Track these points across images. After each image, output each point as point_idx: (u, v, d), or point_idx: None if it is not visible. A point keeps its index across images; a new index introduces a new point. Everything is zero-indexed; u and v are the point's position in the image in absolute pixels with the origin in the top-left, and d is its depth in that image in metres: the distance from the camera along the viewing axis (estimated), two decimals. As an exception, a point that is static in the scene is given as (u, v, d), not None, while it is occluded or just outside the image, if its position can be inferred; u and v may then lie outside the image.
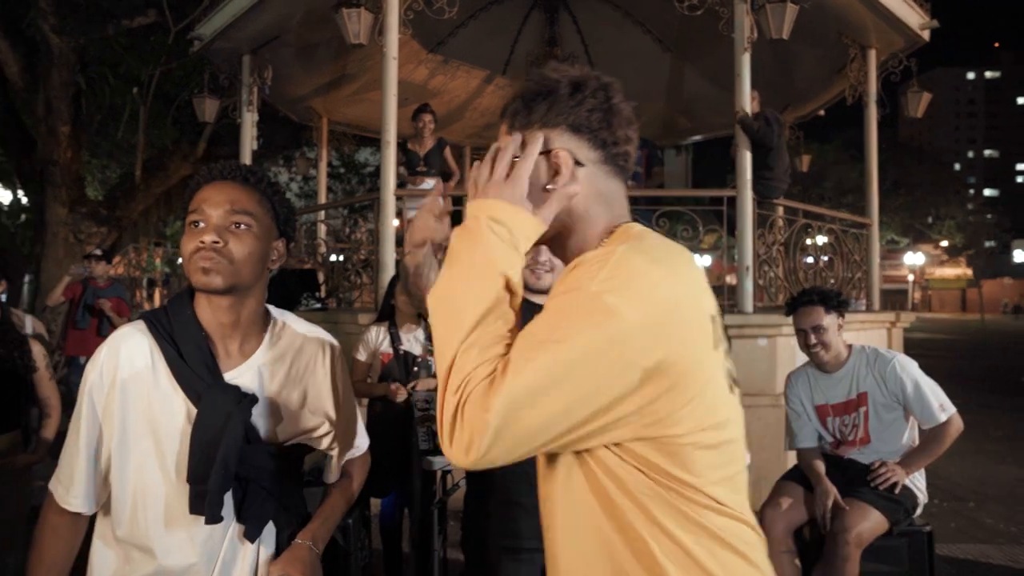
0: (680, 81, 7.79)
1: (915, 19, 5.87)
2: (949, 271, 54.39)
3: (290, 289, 5.71)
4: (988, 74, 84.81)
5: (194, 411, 1.22)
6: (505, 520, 1.92)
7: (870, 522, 2.48)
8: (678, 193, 6.42)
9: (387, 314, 3.48)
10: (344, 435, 1.42)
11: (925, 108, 6.61)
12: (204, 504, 1.19)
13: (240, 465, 1.23)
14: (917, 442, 2.70)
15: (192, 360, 1.23)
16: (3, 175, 12.67)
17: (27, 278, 12.30)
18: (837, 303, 2.69)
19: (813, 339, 2.68)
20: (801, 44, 5.90)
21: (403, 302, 3.39)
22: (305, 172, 11.16)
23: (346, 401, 1.41)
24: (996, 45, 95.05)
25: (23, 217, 13.47)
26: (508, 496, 1.93)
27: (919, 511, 2.68)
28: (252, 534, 1.27)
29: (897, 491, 2.54)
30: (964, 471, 5.79)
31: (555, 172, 0.99)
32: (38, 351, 2.82)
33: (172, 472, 1.23)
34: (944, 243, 42.12)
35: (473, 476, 2.06)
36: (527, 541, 1.92)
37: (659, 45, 7.41)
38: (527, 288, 1.99)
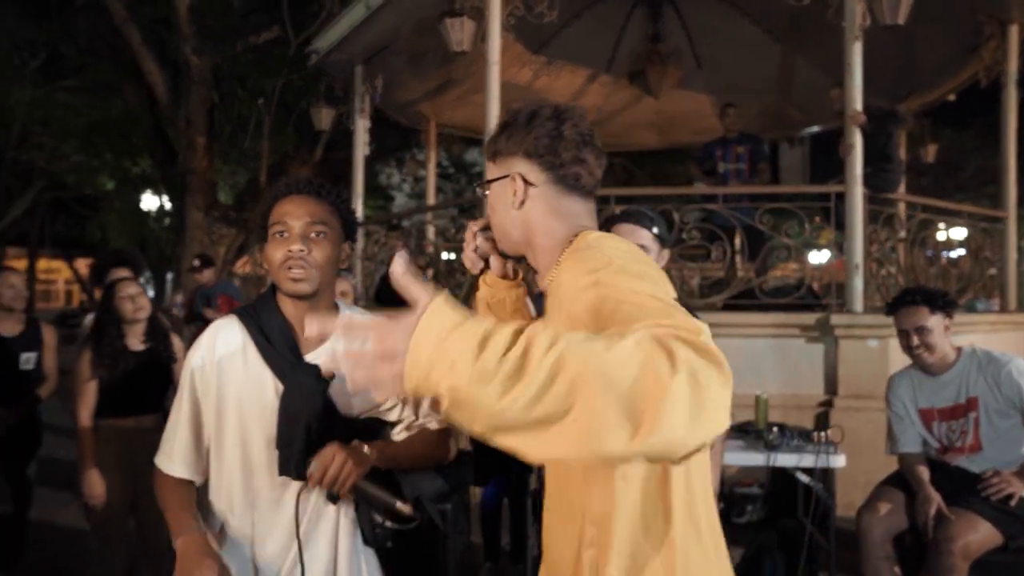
0: (792, 72, 7.49)
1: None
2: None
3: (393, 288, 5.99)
4: None
5: (281, 387, 1.40)
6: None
7: (979, 534, 2.34)
8: (778, 190, 6.17)
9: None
10: (412, 408, 1.54)
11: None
12: (291, 465, 1.37)
13: (320, 435, 1.38)
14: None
15: (278, 344, 1.43)
16: (151, 184, 13.96)
17: (169, 276, 13.55)
18: (943, 303, 2.55)
19: (916, 340, 2.56)
20: (926, 24, 5.53)
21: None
22: (415, 173, 11.60)
23: None
24: None
25: (167, 221, 14.81)
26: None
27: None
28: (333, 498, 1.42)
29: (1013, 503, 2.38)
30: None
31: (514, 193, 1.15)
32: (178, 344, 3.22)
33: (262, 442, 1.41)
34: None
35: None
36: None
37: (769, 36, 7.16)
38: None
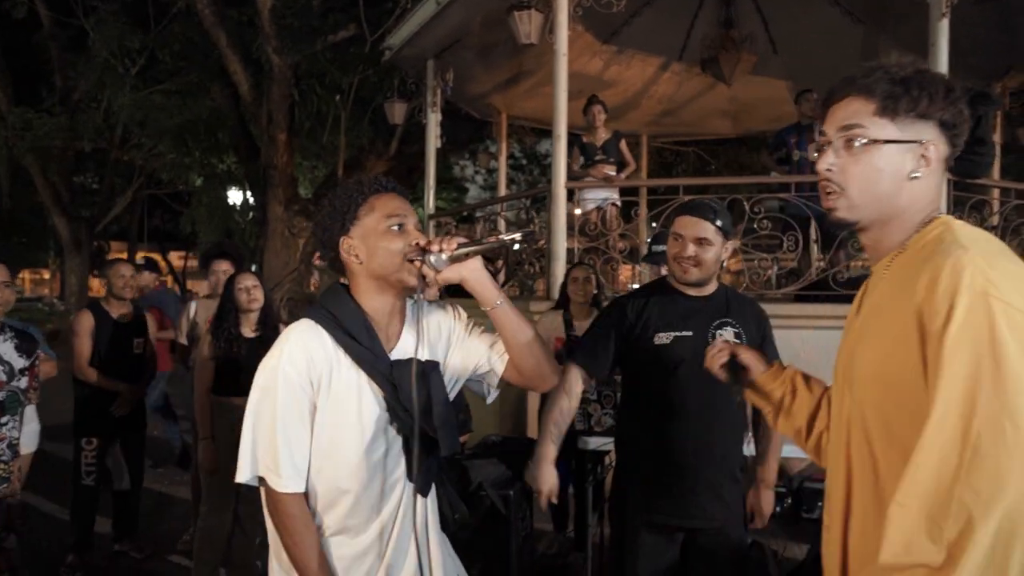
0: (874, 54, 7.01)
1: None
2: None
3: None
4: None
5: (375, 386, 1.41)
6: (647, 497, 2.02)
7: None
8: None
9: (562, 302, 3.75)
10: (494, 346, 1.58)
11: None
12: (444, 441, 1.44)
13: (447, 413, 1.45)
14: None
15: (366, 342, 1.43)
16: (236, 179, 14.64)
17: (253, 268, 14.17)
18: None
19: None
20: (1021, -2, 5.21)
21: (573, 291, 3.63)
22: (487, 165, 11.73)
23: (475, 329, 1.61)
24: None
25: (251, 215, 15.49)
26: (651, 475, 2.03)
27: None
28: (424, 490, 1.48)
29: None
30: None
31: (919, 162, 1.09)
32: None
33: (366, 441, 1.40)
34: None
35: (621, 455, 2.18)
36: (668, 518, 2.01)
37: (849, 17, 6.89)
38: (675, 279, 2.06)
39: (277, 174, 10.57)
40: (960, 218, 3.92)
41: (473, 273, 1.42)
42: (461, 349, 1.56)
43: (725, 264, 2.11)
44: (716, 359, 1.49)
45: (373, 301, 1.46)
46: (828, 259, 5.02)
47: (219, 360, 3.25)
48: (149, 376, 4.06)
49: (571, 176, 5.73)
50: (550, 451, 2.08)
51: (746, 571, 2.20)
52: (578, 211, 6.06)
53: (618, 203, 6.12)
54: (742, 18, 7.02)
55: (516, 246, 1.57)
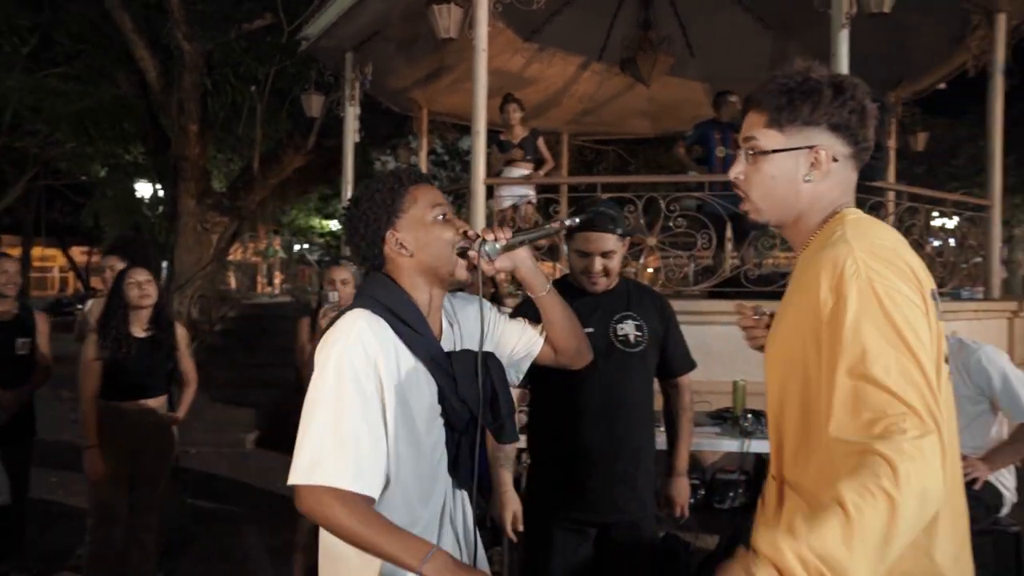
0: (782, 60, 7.42)
1: (1050, -21, 5.37)
2: (1106, 255, 48.91)
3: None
4: None
5: (430, 378, 1.35)
6: (557, 495, 2.03)
7: (946, 517, 2.39)
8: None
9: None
10: (525, 332, 1.57)
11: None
12: (507, 431, 1.42)
13: (507, 399, 1.42)
14: (1006, 436, 2.57)
15: (425, 332, 1.36)
16: (144, 171, 13.91)
17: (164, 264, 13.53)
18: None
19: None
20: (914, 13, 5.53)
21: (472, 292, 3.61)
22: (407, 161, 11.56)
23: (501, 318, 1.59)
24: None
25: (160, 209, 14.76)
26: (561, 472, 2.03)
27: (1005, 510, 2.55)
28: (466, 482, 1.43)
29: (977, 487, 2.43)
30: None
31: (812, 166, 1.16)
32: (181, 333, 3.36)
33: (420, 436, 1.33)
34: (1100, 224, 37.90)
35: (532, 453, 2.17)
36: (579, 515, 2.02)
37: (760, 23, 7.16)
38: (582, 290, 2.07)
39: (189, 166, 10.11)
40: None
41: (524, 262, 1.44)
42: (496, 338, 1.55)
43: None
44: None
45: (422, 295, 1.40)
46: (740, 256, 5.20)
47: (106, 362, 3.07)
48: (40, 380, 3.77)
49: (491, 173, 5.72)
50: (505, 477, 2.07)
51: (659, 563, 2.24)
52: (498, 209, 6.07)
53: (534, 200, 6.14)
54: (660, 20, 7.18)
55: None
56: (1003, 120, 5.99)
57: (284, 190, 12.77)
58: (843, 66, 4.71)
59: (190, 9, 9.10)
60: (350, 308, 1.36)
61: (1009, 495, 2.54)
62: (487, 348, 1.48)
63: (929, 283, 1.08)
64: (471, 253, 1.37)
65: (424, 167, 9.52)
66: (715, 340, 3.99)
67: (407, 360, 1.33)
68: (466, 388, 1.36)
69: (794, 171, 1.16)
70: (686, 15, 7.41)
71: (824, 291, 1.05)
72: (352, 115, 6.71)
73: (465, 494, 1.45)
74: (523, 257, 1.44)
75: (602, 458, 1.99)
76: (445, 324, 1.46)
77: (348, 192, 6.90)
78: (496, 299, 3.74)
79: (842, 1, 4.62)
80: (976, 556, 2.50)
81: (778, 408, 1.21)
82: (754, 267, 5.21)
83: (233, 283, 11.06)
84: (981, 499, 2.45)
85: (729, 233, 5.74)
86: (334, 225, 22.39)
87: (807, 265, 1.13)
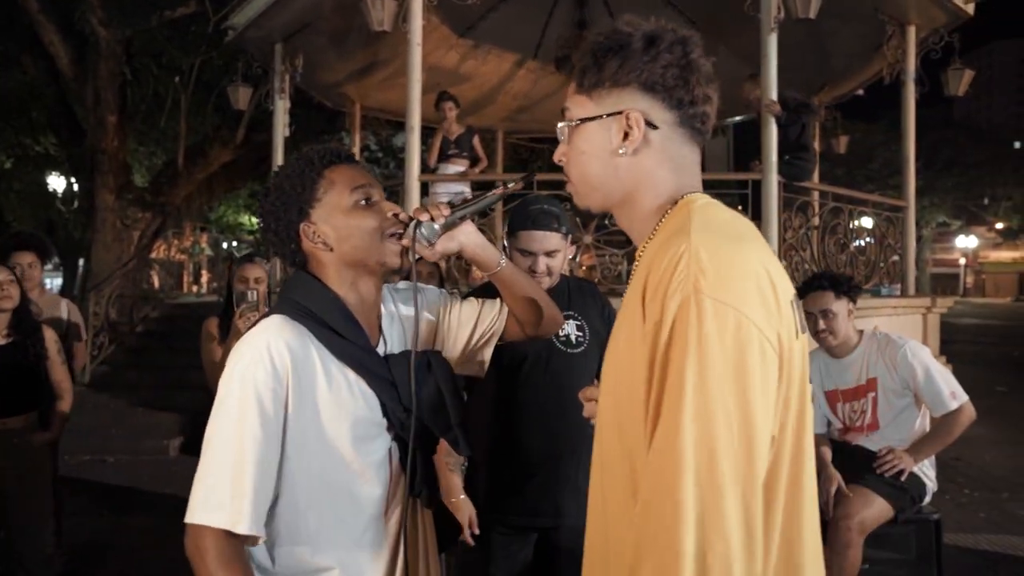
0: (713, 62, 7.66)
1: (957, -7, 5.67)
2: (1005, 254, 52.32)
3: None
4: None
5: (367, 387, 1.19)
6: (497, 498, 1.98)
7: (873, 509, 2.47)
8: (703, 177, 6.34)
9: None
10: (483, 312, 1.42)
11: (967, 86, 6.38)
12: (459, 444, 1.25)
13: (457, 404, 1.26)
14: (928, 430, 2.67)
15: (352, 337, 1.19)
16: (56, 164, 13.16)
17: (81, 262, 12.83)
18: (848, 288, 2.66)
19: (822, 324, 2.66)
20: (836, 21, 5.75)
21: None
22: (341, 157, 11.27)
23: (454, 303, 1.43)
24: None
25: (76, 204, 14.01)
26: (500, 475, 1.99)
27: (927, 499, 2.65)
28: (431, 502, 1.29)
29: (903, 478, 2.52)
30: (1001, 461, 5.65)
31: (624, 135, 0.94)
32: (49, 337, 2.98)
33: (350, 453, 1.16)
34: (1000, 225, 40.54)
35: (472, 456, 2.12)
36: (518, 519, 1.98)
37: (692, 26, 7.24)
38: None
39: (107, 159, 9.61)
40: (788, 220, 4.11)
41: (470, 237, 1.25)
42: (451, 328, 1.39)
43: (579, 259, 2.11)
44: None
45: (350, 292, 1.23)
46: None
47: None
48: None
49: (424, 170, 5.63)
50: (454, 481, 1.97)
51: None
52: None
53: (469, 198, 6.09)
54: (595, 20, 7.23)
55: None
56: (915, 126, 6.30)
57: (211, 186, 12.30)
58: (772, 70, 4.84)
59: (106, -7, 8.63)
60: (266, 314, 1.21)
61: (931, 484, 2.64)
62: (443, 343, 1.37)
63: (789, 291, 0.88)
64: (404, 241, 1.21)
65: (357, 163, 9.30)
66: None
67: (336, 371, 1.17)
68: (408, 396, 1.20)
69: (607, 143, 0.95)
70: (620, 15, 7.46)
71: (651, 300, 0.84)
72: (282, 109, 6.50)
73: (428, 512, 1.31)
74: (468, 232, 1.25)
75: (544, 461, 1.95)
76: (386, 322, 1.30)
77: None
78: (442, 284, 3.63)
79: (771, 5, 4.74)
80: (900, 544, 2.60)
81: (602, 444, 0.98)
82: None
83: (156, 282, 10.56)
84: (907, 490, 2.54)
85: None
86: (264, 222, 21.75)
87: (644, 261, 0.92)
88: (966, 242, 41.88)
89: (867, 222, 6.71)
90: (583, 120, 0.97)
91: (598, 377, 2.15)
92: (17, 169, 13.38)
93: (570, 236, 2.01)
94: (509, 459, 1.96)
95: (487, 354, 1.42)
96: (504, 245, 2.01)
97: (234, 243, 25.64)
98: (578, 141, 0.99)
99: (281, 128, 6.52)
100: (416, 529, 1.27)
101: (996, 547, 3.80)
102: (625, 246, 5.46)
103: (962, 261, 46.40)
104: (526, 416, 1.95)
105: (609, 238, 5.69)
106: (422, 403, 1.22)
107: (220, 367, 2.93)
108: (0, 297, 2.77)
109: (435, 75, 7.43)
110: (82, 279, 10.01)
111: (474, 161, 6.13)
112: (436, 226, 1.20)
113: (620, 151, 0.94)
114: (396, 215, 1.23)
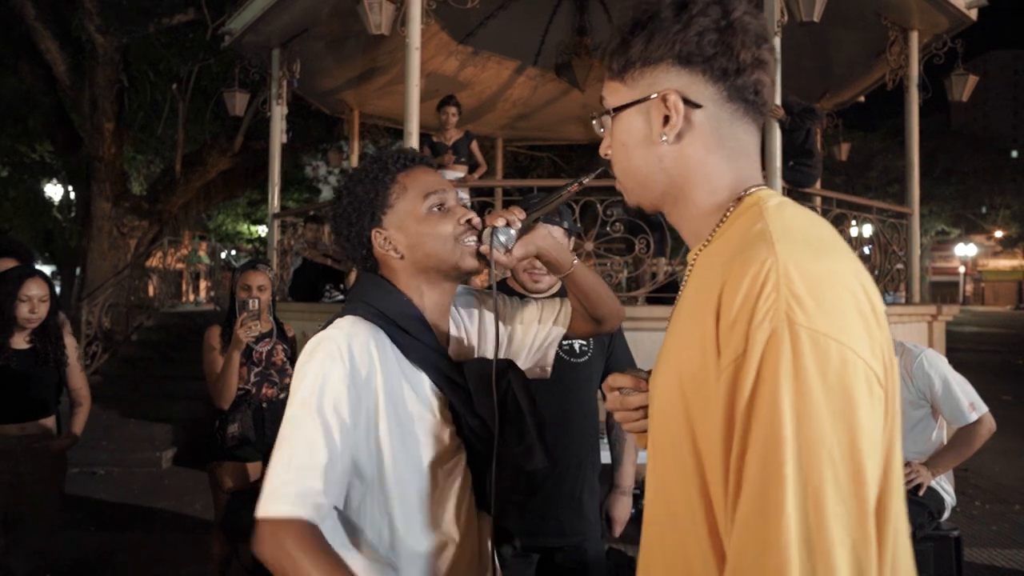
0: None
1: (960, -2, 5.62)
2: (1004, 262, 52.37)
3: (312, 281, 5.76)
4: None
5: (439, 392, 1.15)
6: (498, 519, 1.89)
7: (891, 524, 2.37)
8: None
9: None
10: (544, 313, 1.37)
11: (971, 91, 6.32)
12: (535, 456, 1.17)
13: (536, 412, 1.19)
14: (945, 442, 2.58)
15: (428, 341, 1.17)
16: (53, 172, 13.09)
17: (78, 271, 12.71)
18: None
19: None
20: (838, 27, 5.70)
21: None
22: (339, 164, 11.27)
23: (516, 306, 1.38)
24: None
25: (72, 212, 13.93)
26: (501, 494, 1.90)
27: (946, 515, 2.56)
28: (502, 516, 1.25)
29: (921, 493, 2.43)
30: (1011, 471, 5.56)
31: (665, 119, 0.81)
32: (70, 344, 2.97)
33: (423, 459, 1.13)
34: (999, 233, 40.56)
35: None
36: (524, 540, 1.88)
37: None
38: (525, 290, 1.94)
39: (103, 167, 9.53)
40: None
41: (546, 241, 1.20)
42: (515, 332, 1.34)
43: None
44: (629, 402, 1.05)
45: (423, 298, 1.20)
46: (679, 261, 5.21)
47: None
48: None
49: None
50: None
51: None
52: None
53: (468, 204, 6.02)
54: (595, 26, 7.19)
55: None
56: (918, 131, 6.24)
57: (208, 193, 12.24)
58: (775, 75, 4.76)
59: (104, 1, 8.57)
60: (339, 315, 1.16)
61: (950, 499, 2.55)
62: (509, 348, 1.31)
63: (880, 302, 0.74)
64: (482, 248, 1.16)
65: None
66: (653, 346, 3.94)
67: (409, 374, 1.14)
68: (483, 403, 1.15)
69: (645, 131, 0.83)
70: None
71: (728, 321, 0.69)
72: (279, 115, 6.43)
73: (488, 520, 1.24)
74: (543, 235, 1.19)
75: (546, 478, 1.86)
76: (452, 328, 1.26)
77: (275, 196, 6.59)
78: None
79: (774, 8, 4.68)
80: (917, 562, 2.51)
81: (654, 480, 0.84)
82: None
83: (152, 291, 10.46)
84: (925, 505, 2.45)
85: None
86: (263, 230, 21.67)
87: (707, 273, 0.77)
88: (965, 250, 41.90)
89: (867, 230, 6.64)
90: (618, 108, 0.85)
91: (601, 387, 2.07)
92: (13, 177, 13.31)
93: (572, 236, 1.94)
94: (510, 476, 1.87)
95: (551, 356, 1.38)
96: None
97: (233, 252, 25.56)
98: (618, 132, 0.87)
99: (278, 134, 6.45)
100: (481, 538, 1.22)
101: (1012, 564, 3.70)
102: (626, 254, 5.38)
103: (961, 269, 46.41)
104: (528, 429, 1.86)
105: (610, 245, 5.60)
106: (500, 413, 1.16)
107: (221, 377, 2.85)
108: (31, 316, 2.76)
109: (434, 82, 7.37)
110: (77, 288, 9.91)
111: (473, 167, 6.06)
112: (513, 231, 1.16)
113: (662, 138, 0.81)
114: (470, 220, 1.19)
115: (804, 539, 0.61)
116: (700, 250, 0.84)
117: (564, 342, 1.90)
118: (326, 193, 21.14)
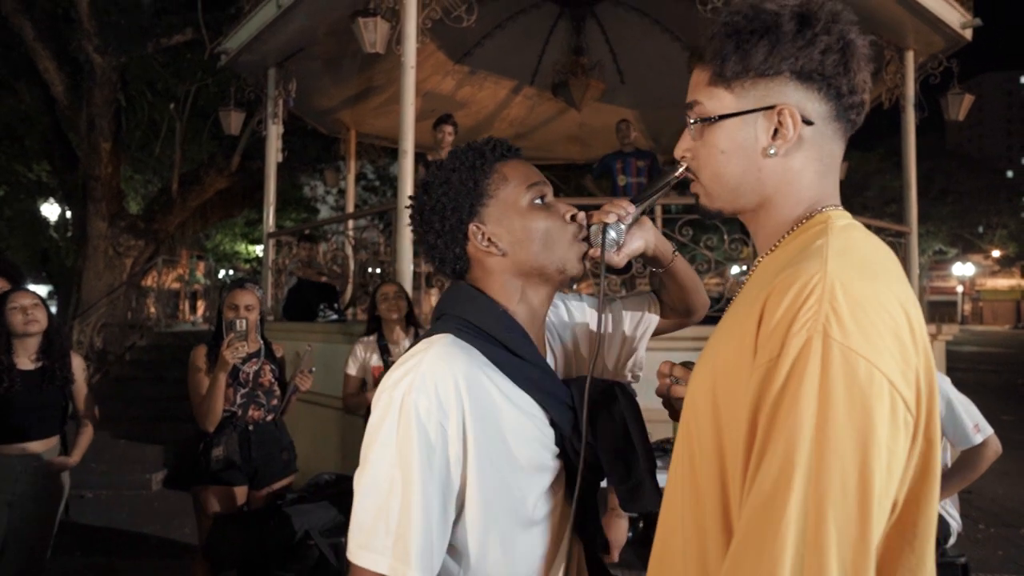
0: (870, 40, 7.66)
1: (955, 17, 5.63)
2: (1002, 282, 52.44)
3: (307, 299, 5.71)
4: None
5: (543, 413, 1.02)
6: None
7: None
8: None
9: (374, 327, 3.46)
10: (632, 312, 1.27)
11: (967, 111, 6.32)
12: (643, 496, 1.05)
13: (644, 442, 1.08)
14: (950, 465, 2.51)
15: (531, 357, 1.03)
16: (50, 191, 13.08)
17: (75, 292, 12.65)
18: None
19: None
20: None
21: (384, 310, 3.39)
22: (335, 184, 11.26)
23: (613, 307, 1.28)
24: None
25: (69, 232, 13.90)
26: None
27: (952, 540, 2.48)
28: (605, 548, 1.17)
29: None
30: (1013, 493, 5.47)
31: (775, 134, 0.82)
32: (77, 364, 2.96)
33: (526, 488, 1.00)
34: (996, 253, 40.66)
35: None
36: None
37: (688, 52, 7.27)
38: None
39: (100, 187, 9.51)
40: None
41: (652, 234, 1.13)
42: (610, 341, 1.24)
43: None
44: (675, 391, 1.07)
45: (520, 304, 1.07)
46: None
47: None
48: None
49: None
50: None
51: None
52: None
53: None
54: (591, 47, 7.21)
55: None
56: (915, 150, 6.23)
57: (205, 213, 12.21)
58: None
59: (102, 21, 8.60)
60: (429, 332, 1.04)
61: (955, 524, 2.48)
62: (598, 352, 1.20)
63: (924, 333, 0.75)
64: (592, 252, 1.06)
65: (351, 191, 9.23)
66: (652, 367, 3.88)
67: (511, 395, 1.00)
68: (596, 428, 1.03)
69: (751, 142, 0.84)
70: (616, 42, 7.47)
71: (768, 327, 0.71)
72: (275, 133, 6.41)
73: (582, 552, 1.12)
74: (648, 228, 1.12)
75: None
76: (548, 337, 1.15)
77: (270, 215, 6.56)
78: (411, 319, 3.52)
79: (770, 28, 4.67)
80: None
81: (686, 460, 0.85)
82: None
83: (151, 311, 10.40)
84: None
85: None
86: (260, 250, 21.65)
87: (761, 279, 0.81)
88: (963, 270, 41.98)
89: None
90: (722, 116, 0.85)
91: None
92: (10, 196, 13.29)
93: None
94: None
95: (641, 356, 1.28)
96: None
97: (231, 271, 25.53)
98: (716, 139, 0.86)
99: (274, 153, 6.43)
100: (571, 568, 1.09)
101: (1018, 588, 3.62)
102: (623, 273, 5.33)
103: (959, 289, 46.45)
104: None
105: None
106: (599, 439, 1.04)
107: (207, 399, 2.79)
108: (27, 321, 2.74)
109: (431, 101, 7.38)
110: (72, 307, 9.85)
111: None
112: (623, 226, 1.07)
113: (770, 151, 0.83)
114: (574, 216, 1.08)
115: (798, 552, 0.64)
116: (763, 256, 0.87)
117: None
118: (324, 212, 21.16)
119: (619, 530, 2.08)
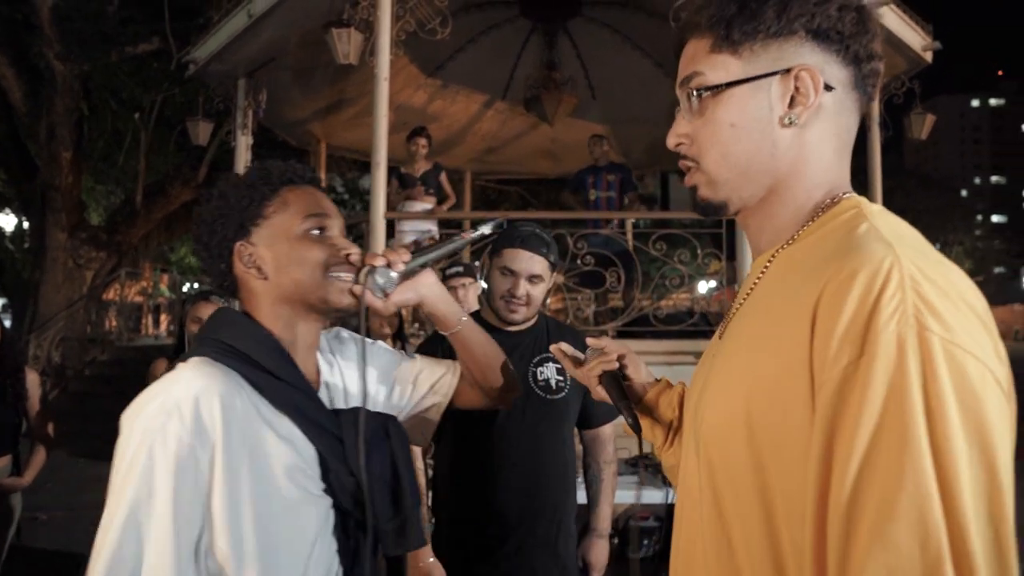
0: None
1: (917, 40, 5.79)
2: (959, 298, 54.00)
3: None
4: (992, 101, 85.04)
5: (306, 440, 0.98)
6: (467, 564, 1.77)
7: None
8: (679, 215, 6.32)
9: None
10: (422, 376, 1.22)
11: (929, 130, 6.50)
12: (409, 534, 1.03)
13: (411, 480, 1.06)
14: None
15: (293, 380, 1.00)
16: (6, 201, 12.70)
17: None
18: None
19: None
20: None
21: (375, 325, 3.31)
22: (305, 197, 11.09)
23: (403, 361, 1.23)
24: (1000, 73, 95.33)
25: (26, 243, 13.50)
26: (471, 538, 1.78)
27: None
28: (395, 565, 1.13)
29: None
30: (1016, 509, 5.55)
31: (792, 100, 0.73)
32: (32, 379, 2.86)
33: (284, 527, 0.95)
34: (953, 269, 41.91)
35: (437, 517, 1.91)
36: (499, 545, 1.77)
37: (659, 69, 7.36)
38: (499, 319, 1.85)
39: (60, 197, 9.27)
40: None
41: (432, 289, 1.09)
42: (400, 390, 1.19)
43: (548, 302, 1.95)
44: (596, 368, 1.07)
45: (285, 330, 1.03)
46: (629, 297, 5.19)
47: None
48: None
49: (391, 207, 5.48)
50: (423, 547, 1.76)
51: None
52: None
53: (437, 236, 5.94)
54: (564, 62, 7.25)
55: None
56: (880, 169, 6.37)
57: (170, 225, 11.97)
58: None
59: (64, 27, 8.41)
60: (185, 357, 1.00)
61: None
62: (389, 407, 1.16)
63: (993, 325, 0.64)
64: (355, 288, 1.02)
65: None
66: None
67: (270, 420, 0.96)
68: (359, 460, 1.00)
69: (765, 112, 0.73)
70: (588, 58, 7.53)
71: (839, 333, 0.59)
72: (244, 145, 6.31)
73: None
74: (429, 284, 1.09)
75: (520, 521, 1.74)
76: (324, 370, 1.11)
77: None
78: (400, 336, 3.40)
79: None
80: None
81: (711, 502, 0.74)
82: (661, 306, 5.21)
83: (108, 324, 10.12)
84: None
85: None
86: (225, 263, 21.32)
87: (792, 275, 0.70)
88: (921, 286, 43.18)
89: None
90: (730, 84, 0.74)
91: (578, 425, 1.98)
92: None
93: (555, 270, 1.85)
94: (481, 518, 1.76)
95: (433, 422, 1.21)
96: (478, 266, 1.86)
97: (195, 285, 25.05)
98: (722, 112, 0.75)
99: (243, 164, 6.32)
100: None
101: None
102: (599, 286, 5.33)
103: (918, 304, 47.74)
104: (501, 469, 1.75)
105: (577, 279, 5.56)
106: (372, 475, 1.00)
107: None
108: None
109: (403, 114, 7.34)
110: (28, 321, 9.55)
111: (441, 199, 5.99)
112: (393, 274, 1.03)
113: (786, 120, 0.73)
114: (348, 256, 1.04)
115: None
116: (777, 252, 0.75)
117: (540, 377, 1.81)
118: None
119: (599, 551, 2.05)
